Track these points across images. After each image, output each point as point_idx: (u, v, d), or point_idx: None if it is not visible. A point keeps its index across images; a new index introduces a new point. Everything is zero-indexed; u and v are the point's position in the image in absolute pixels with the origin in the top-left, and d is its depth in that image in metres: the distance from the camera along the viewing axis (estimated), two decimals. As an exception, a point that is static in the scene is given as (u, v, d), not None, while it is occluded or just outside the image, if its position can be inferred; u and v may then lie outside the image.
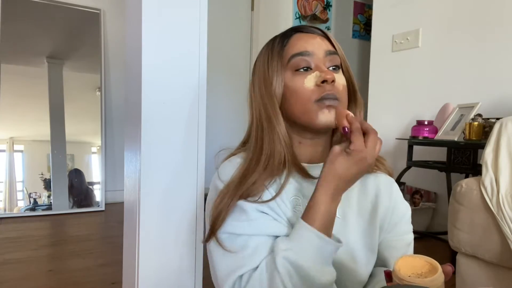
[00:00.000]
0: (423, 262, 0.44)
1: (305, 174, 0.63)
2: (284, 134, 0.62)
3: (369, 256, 0.65)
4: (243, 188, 0.60)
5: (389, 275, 0.46)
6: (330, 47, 0.63)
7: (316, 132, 0.64)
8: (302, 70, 0.61)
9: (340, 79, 0.62)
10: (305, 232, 0.55)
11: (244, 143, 0.70)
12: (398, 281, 0.42)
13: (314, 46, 0.62)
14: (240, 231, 0.59)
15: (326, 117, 0.60)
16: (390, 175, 0.71)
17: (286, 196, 0.63)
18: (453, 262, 1.30)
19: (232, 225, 0.60)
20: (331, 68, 0.62)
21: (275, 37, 0.66)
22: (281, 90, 0.62)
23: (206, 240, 0.62)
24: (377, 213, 0.66)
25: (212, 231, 0.61)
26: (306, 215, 0.56)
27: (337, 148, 0.55)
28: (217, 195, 0.62)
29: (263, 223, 0.59)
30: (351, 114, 0.58)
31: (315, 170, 0.65)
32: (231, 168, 0.64)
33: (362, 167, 0.55)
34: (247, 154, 0.65)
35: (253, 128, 0.65)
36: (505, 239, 1.02)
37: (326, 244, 0.54)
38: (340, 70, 0.64)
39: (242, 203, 0.60)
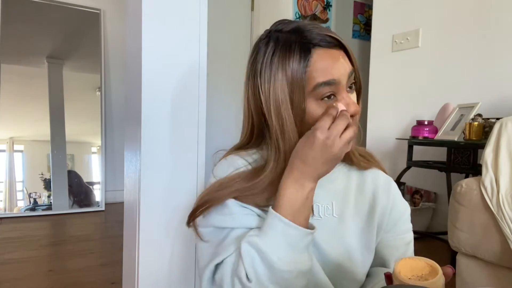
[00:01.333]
0: (424, 264, 0.44)
1: None
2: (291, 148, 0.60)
3: (366, 255, 0.65)
4: (247, 190, 0.59)
5: (389, 278, 0.46)
6: (350, 65, 0.59)
7: None
8: (326, 98, 0.57)
9: (355, 99, 0.61)
10: (269, 217, 0.54)
11: (242, 145, 0.67)
12: (398, 283, 0.42)
13: (340, 72, 0.57)
14: (223, 225, 0.60)
15: (347, 148, 0.59)
16: (383, 170, 0.71)
17: None
18: (453, 262, 1.30)
19: (216, 219, 0.60)
20: (349, 89, 0.60)
21: (292, 46, 0.57)
22: (302, 115, 0.58)
23: (187, 223, 0.63)
24: (375, 212, 0.65)
25: (192, 216, 0.61)
26: (275, 202, 0.55)
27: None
28: (210, 184, 0.63)
29: (245, 216, 0.59)
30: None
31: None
32: (227, 166, 0.64)
33: (324, 152, 0.52)
34: (261, 160, 0.64)
35: (272, 136, 0.60)
36: (505, 239, 1.02)
37: (290, 229, 0.53)
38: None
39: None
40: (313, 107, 0.58)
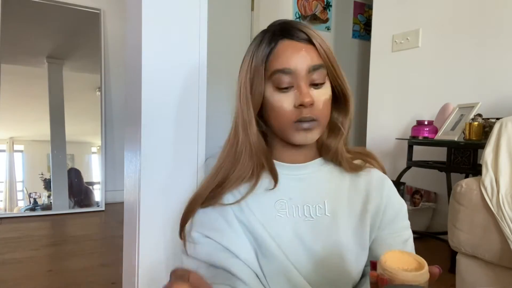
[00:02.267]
0: (412, 259, 0.44)
1: (274, 177, 0.64)
2: (254, 142, 0.63)
3: (360, 254, 0.64)
4: (208, 189, 0.63)
5: (374, 265, 0.46)
6: (315, 60, 0.60)
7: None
8: (283, 88, 0.61)
9: (322, 95, 0.61)
10: None
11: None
12: (381, 271, 0.42)
13: (298, 62, 0.59)
14: (190, 253, 0.65)
15: (302, 138, 0.62)
16: (383, 171, 0.71)
17: (266, 201, 0.64)
18: (453, 262, 1.30)
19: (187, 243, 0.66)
20: (312, 86, 0.61)
21: (264, 34, 0.63)
22: (260, 100, 0.63)
23: (179, 235, 0.67)
24: (368, 210, 0.65)
25: (180, 225, 0.66)
26: None
27: None
28: (192, 193, 0.66)
29: (205, 251, 0.63)
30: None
31: (299, 170, 0.67)
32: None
33: None
34: (218, 157, 0.67)
35: (231, 129, 0.66)
36: (505, 239, 1.02)
37: None
38: (325, 84, 0.62)
39: (196, 218, 0.65)
40: (270, 94, 0.62)
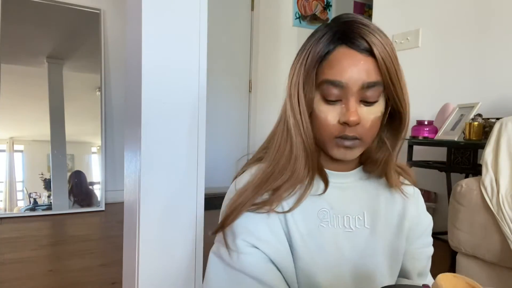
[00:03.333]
0: (465, 283, 0.43)
1: (325, 180, 0.60)
2: (311, 145, 0.58)
3: (394, 268, 0.63)
4: (259, 194, 0.57)
5: None
6: (372, 77, 0.54)
7: None
8: (330, 100, 0.55)
9: (371, 113, 0.56)
10: None
11: (265, 148, 0.65)
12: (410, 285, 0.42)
13: (352, 76, 0.53)
14: (232, 263, 0.58)
15: (341, 155, 0.58)
16: (415, 185, 0.69)
17: (310, 209, 0.60)
18: (453, 262, 1.30)
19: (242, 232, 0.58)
20: (363, 103, 0.56)
21: (325, 32, 0.56)
22: (311, 105, 0.58)
23: (214, 232, 0.60)
24: (404, 223, 0.64)
25: (221, 225, 0.58)
26: None
27: None
28: (235, 194, 0.59)
29: (250, 261, 0.56)
30: None
31: (341, 178, 0.63)
32: (249, 178, 0.61)
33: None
34: (268, 160, 0.61)
35: (279, 130, 0.60)
36: (505, 239, 1.02)
37: None
38: (378, 102, 0.57)
39: (241, 226, 0.57)
40: (317, 103, 0.57)
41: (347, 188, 0.63)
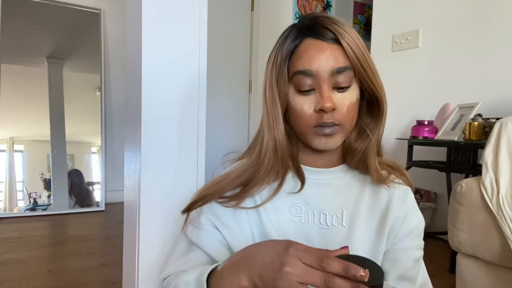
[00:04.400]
0: None
1: (301, 177, 0.61)
2: (280, 141, 0.59)
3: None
4: (231, 187, 0.60)
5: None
6: (340, 62, 0.56)
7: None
8: (304, 90, 0.57)
9: (346, 99, 0.57)
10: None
11: (250, 146, 0.67)
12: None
13: (320, 63, 0.55)
14: (191, 237, 0.62)
15: (322, 144, 0.58)
16: (410, 184, 0.67)
17: (282, 204, 0.61)
18: (453, 262, 1.30)
19: (190, 227, 0.64)
20: (336, 90, 0.57)
21: (291, 30, 0.59)
22: (286, 100, 0.59)
23: (182, 212, 0.65)
24: (386, 224, 0.61)
25: (188, 209, 0.63)
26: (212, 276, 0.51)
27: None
28: (210, 182, 0.63)
29: (207, 239, 0.60)
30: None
31: (320, 175, 0.63)
32: (227, 170, 0.64)
33: (272, 272, 0.43)
34: (245, 156, 0.64)
35: (258, 129, 0.63)
36: (505, 239, 1.02)
37: None
38: (351, 87, 0.57)
39: (209, 207, 0.61)
40: (291, 96, 0.58)
41: (326, 185, 0.63)
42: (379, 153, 0.65)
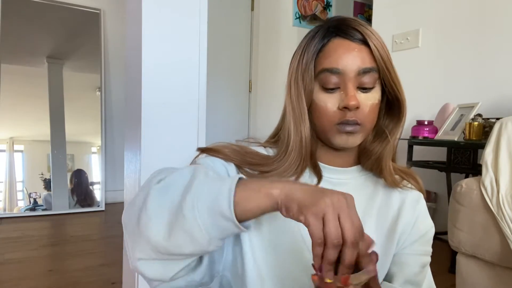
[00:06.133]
0: None
1: (318, 174, 0.61)
2: (307, 137, 0.59)
3: (380, 273, 0.61)
4: (251, 167, 0.58)
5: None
6: (367, 63, 0.57)
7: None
8: (329, 88, 0.58)
9: (369, 99, 0.58)
10: (225, 181, 0.44)
11: (273, 136, 0.66)
12: None
13: (348, 63, 0.56)
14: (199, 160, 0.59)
15: (343, 141, 0.58)
16: (422, 192, 0.67)
17: None
18: (453, 262, 1.30)
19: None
20: (360, 90, 0.58)
21: (319, 29, 0.60)
22: (311, 97, 0.60)
23: (199, 149, 0.61)
24: (397, 228, 0.62)
25: (203, 150, 0.60)
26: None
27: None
28: (238, 145, 0.61)
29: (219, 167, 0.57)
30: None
31: (336, 173, 0.63)
32: (262, 150, 0.63)
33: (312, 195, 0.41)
34: (275, 147, 0.63)
35: (285, 122, 0.62)
36: (505, 239, 1.02)
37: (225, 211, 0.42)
38: (374, 88, 0.59)
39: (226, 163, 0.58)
40: (316, 93, 0.59)
41: (340, 184, 0.63)
42: (393, 158, 0.65)
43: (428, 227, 0.65)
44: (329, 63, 0.57)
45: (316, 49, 0.59)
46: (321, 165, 0.63)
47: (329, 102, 0.58)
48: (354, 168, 0.65)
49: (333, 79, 0.57)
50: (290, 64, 0.62)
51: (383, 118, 0.64)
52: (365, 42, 0.57)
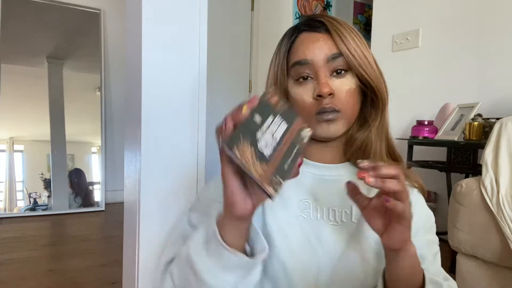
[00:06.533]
0: None
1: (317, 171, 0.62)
2: None
3: (380, 264, 0.61)
4: None
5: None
6: (334, 50, 0.58)
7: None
8: (301, 79, 0.59)
9: (344, 85, 0.58)
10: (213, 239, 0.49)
11: None
12: None
13: (315, 52, 0.58)
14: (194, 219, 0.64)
15: (324, 131, 0.59)
16: (422, 189, 0.67)
17: (291, 200, 0.61)
18: (453, 262, 1.30)
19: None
20: (334, 76, 0.58)
21: (287, 32, 0.64)
22: (286, 95, 0.61)
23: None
24: None
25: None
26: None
27: None
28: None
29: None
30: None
31: (327, 170, 0.63)
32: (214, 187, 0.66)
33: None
34: None
35: None
36: (505, 239, 1.02)
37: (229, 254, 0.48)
38: (348, 73, 0.59)
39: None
40: (291, 88, 0.61)
41: (334, 181, 0.63)
42: (395, 157, 0.66)
43: (426, 216, 0.65)
44: (297, 56, 0.60)
45: (286, 48, 0.62)
46: (312, 163, 0.64)
47: (304, 94, 0.59)
48: (346, 163, 0.65)
49: (303, 70, 0.59)
50: (269, 69, 0.64)
51: (368, 109, 0.64)
52: (327, 31, 0.59)
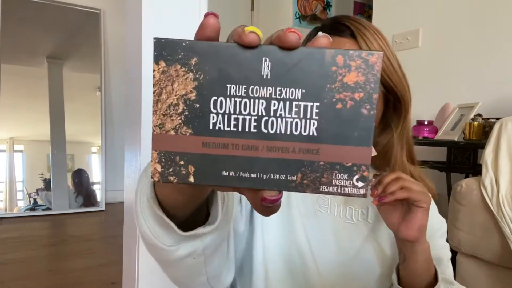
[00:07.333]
0: None
1: None
2: None
3: (392, 267, 0.61)
4: None
5: None
6: None
7: None
8: None
9: None
10: None
11: None
12: None
13: None
14: None
15: None
16: (432, 194, 0.68)
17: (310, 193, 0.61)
18: (453, 262, 1.30)
19: None
20: None
21: (311, 33, 0.61)
22: None
23: None
24: None
25: None
26: None
27: None
28: None
29: None
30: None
31: None
32: None
33: None
34: None
35: None
36: (505, 239, 1.02)
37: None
38: None
39: None
40: None
41: None
42: (413, 160, 0.65)
43: (439, 223, 0.66)
44: None
45: None
46: None
47: None
48: None
49: None
50: None
51: (391, 113, 0.64)
52: (352, 36, 0.58)
